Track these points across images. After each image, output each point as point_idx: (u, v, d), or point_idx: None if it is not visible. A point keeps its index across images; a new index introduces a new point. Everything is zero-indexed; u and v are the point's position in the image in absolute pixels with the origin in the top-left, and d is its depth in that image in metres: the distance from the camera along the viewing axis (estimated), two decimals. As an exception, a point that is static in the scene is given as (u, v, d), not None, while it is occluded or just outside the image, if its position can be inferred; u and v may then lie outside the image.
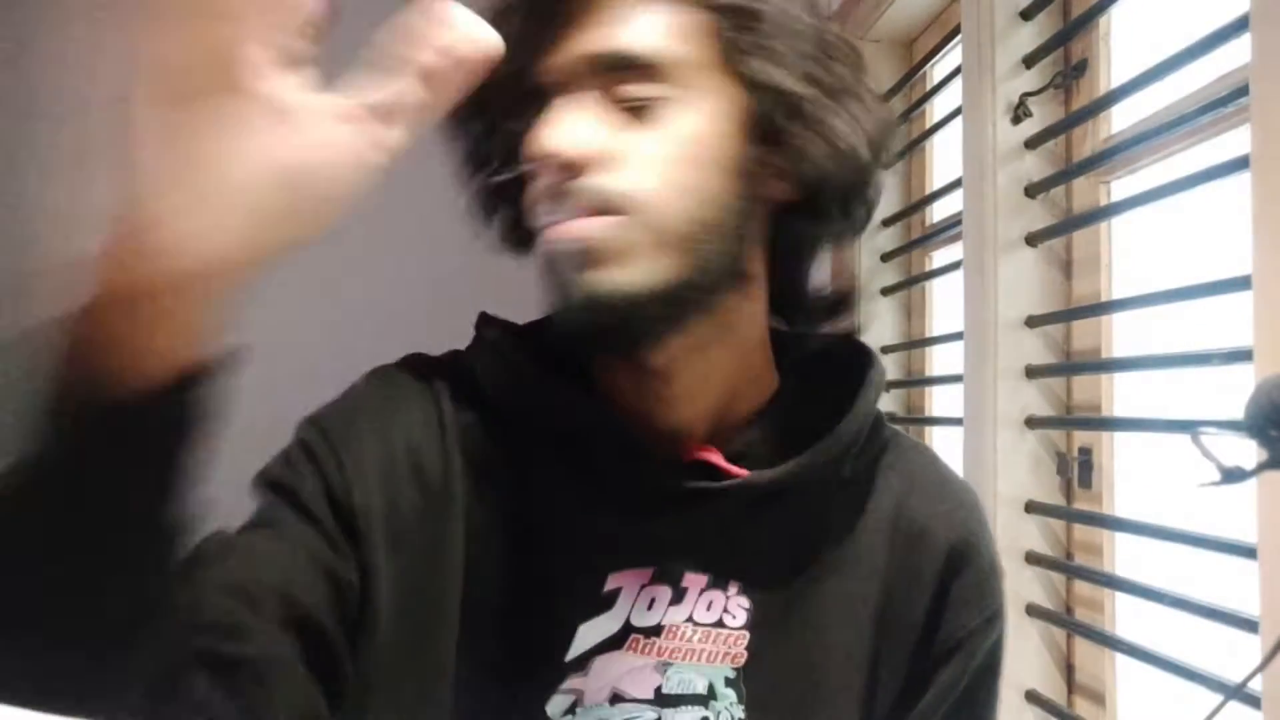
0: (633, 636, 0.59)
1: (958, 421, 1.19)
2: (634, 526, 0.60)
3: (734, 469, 0.59)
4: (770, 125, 0.56)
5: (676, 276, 0.54)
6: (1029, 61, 1.14)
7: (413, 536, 0.57)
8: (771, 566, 0.60)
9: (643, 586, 0.59)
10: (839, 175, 0.58)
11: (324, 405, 0.63)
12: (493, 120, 0.59)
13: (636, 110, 0.55)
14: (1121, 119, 1.07)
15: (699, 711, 0.58)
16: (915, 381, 1.55)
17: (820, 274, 0.65)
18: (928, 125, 1.51)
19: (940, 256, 1.49)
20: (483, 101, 0.49)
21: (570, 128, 0.54)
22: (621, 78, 0.55)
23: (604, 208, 0.54)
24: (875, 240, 1.58)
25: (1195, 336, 0.93)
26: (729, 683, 0.59)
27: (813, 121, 0.56)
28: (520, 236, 0.61)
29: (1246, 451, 0.63)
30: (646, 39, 0.55)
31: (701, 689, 0.59)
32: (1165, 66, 0.91)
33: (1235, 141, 0.86)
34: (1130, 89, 0.97)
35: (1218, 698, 0.72)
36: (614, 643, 0.59)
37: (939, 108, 1.49)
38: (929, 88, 1.49)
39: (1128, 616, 1.05)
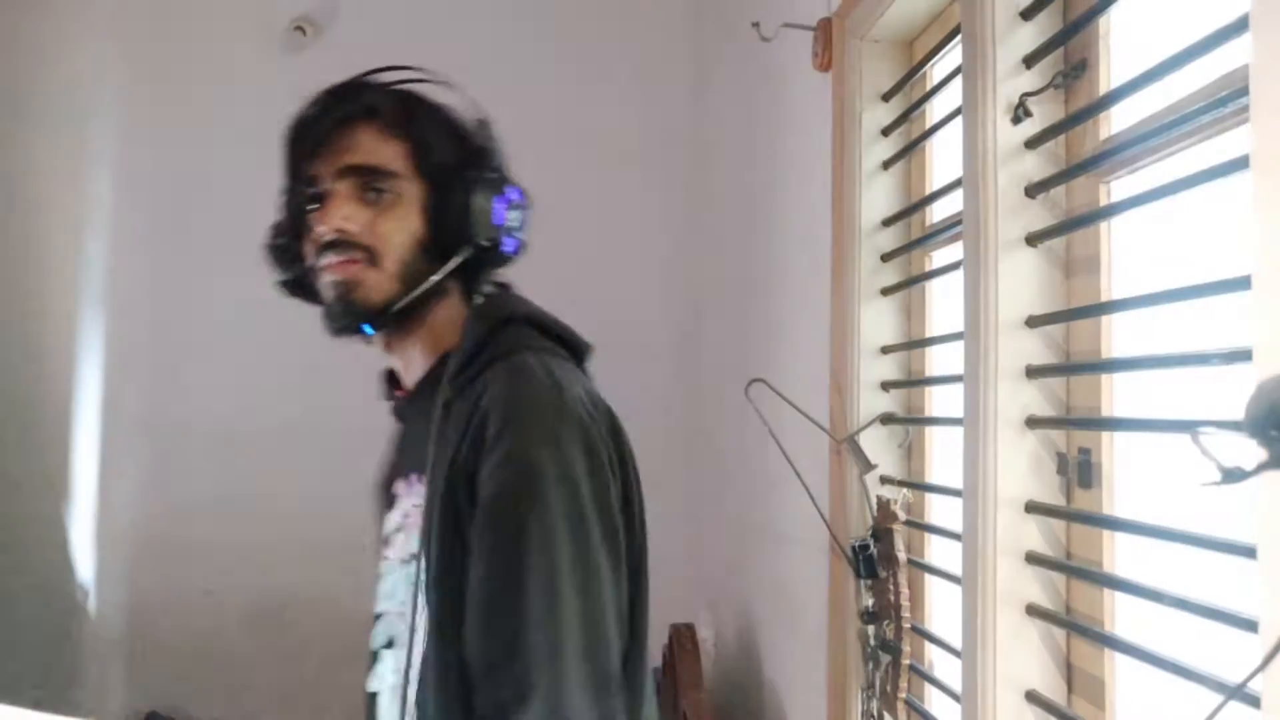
0: (406, 520, 1.03)
1: (958, 421, 1.19)
2: (398, 450, 1.10)
3: (400, 393, 1.09)
4: (433, 204, 1.00)
5: (397, 296, 0.99)
6: (1029, 61, 1.14)
7: None
8: (425, 457, 0.96)
9: (406, 488, 1.03)
10: (467, 229, 1.00)
11: None
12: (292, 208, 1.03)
13: (375, 203, 0.99)
14: (1121, 119, 1.07)
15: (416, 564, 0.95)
16: (915, 381, 1.55)
17: None
18: (928, 125, 1.51)
19: (940, 256, 1.49)
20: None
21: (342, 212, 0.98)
22: (368, 181, 0.99)
23: (359, 258, 0.98)
24: (875, 240, 1.59)
25: (1195, 336, 0.93)
26: (420, 545, 0.95)
27: (451, 200, 1.00)
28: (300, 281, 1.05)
29: (1246, 451, 0.63)
30: (381, 156, 0.99)
31: (415, 549, 0.96)
32: (1165, 66, 0.91)
33: (1235, 141, 0.86)
34: (1130, 89, 0.97)
35: (1218, 698, 0.73)
36: (398, 526, 1.04)
37: (939, 108, 1.49)
38: (929, 88, 1.49)
39: (1127, 616, 1.05)
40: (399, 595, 1.01)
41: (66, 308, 2.50)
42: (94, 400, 2.57)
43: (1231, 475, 0.64)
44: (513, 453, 0.89)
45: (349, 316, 0.99)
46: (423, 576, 0.94)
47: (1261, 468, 0.62)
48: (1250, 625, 0.75)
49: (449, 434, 0.95)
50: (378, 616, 1.05)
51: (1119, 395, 1.08)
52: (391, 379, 1.12)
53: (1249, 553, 0.74)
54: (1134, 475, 1.07)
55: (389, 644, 1.03)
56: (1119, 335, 1.08)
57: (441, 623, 0.92)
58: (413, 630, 0.95)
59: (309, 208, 1.00)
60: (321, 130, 0.99)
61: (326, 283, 0.99)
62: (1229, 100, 0.83)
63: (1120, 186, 1.08)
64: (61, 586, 2.39)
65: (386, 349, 1.07)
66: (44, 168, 2.33)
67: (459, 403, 0.96)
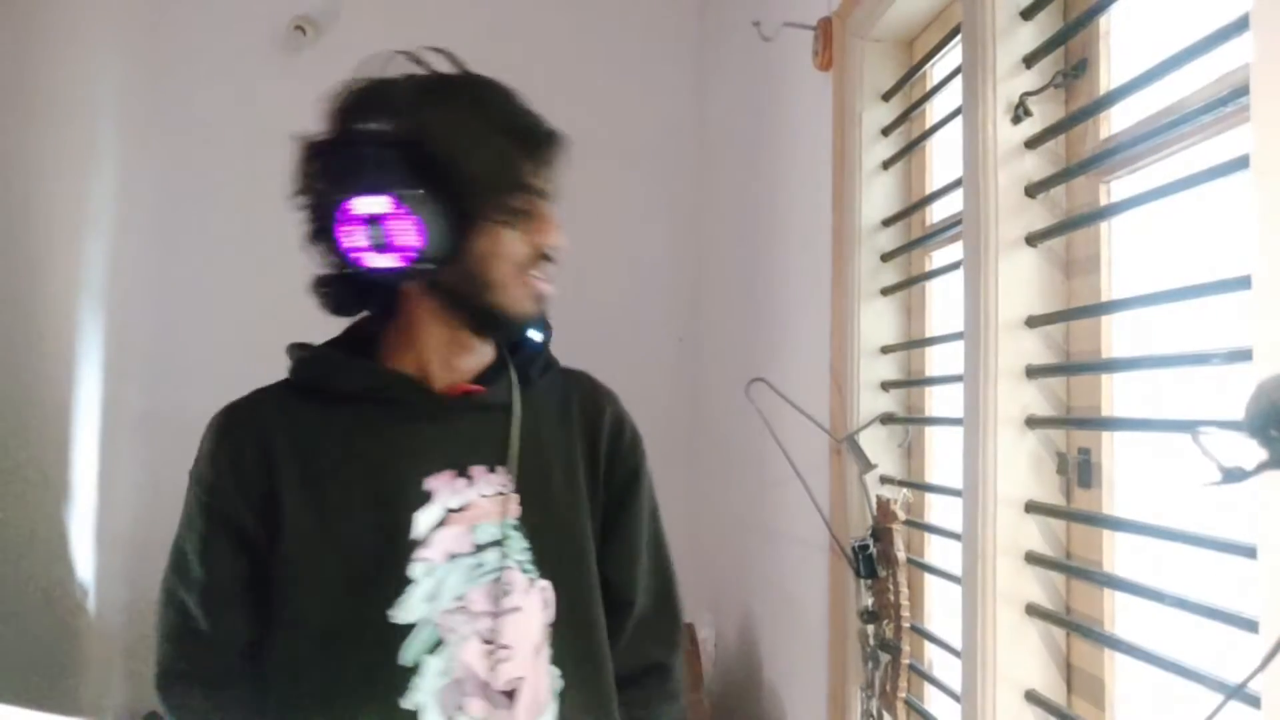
0: (449, 515, 1.02)
1: (958, 421, 1.19)
2: (434, 444, 1.03)
3: (479, 388, 1.06)
4: None
5: None
6: (1029, 61, 1.14)
7: (290, 490, 1.01)
8: (490, 447, 1.05)
9: (448, 481, 1.03)
10: None
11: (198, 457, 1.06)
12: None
13: None
14: (1121, 119, 1.07)
15: (499, 549, 1.02)
16: (915, 381, 1.55)
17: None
18: (928, 125, 1.51)
19: (940, 256, 1.49)
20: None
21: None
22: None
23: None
24: (875, 240, 1.59)
25: (1195, 336, 0.93)
26: (514, 528, 1.04)
27: None
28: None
29: (1246, 451, 0.63)
30: None
31: (497, 535, 1.03)
32: (1165, 66, 0.91)
33: (1235, 141, 0.86)
34: (1130, 89, 0.97)
35: (1218, 698, 0.73)
36: (440, 524, 1.01)
37: (939, 108, 1.49)
38: (929, 88, 1.49)
39: (1127, 617, 1.05)
40: (451, 591, 0.99)
41: (67, 306, 2.50)
42: (94, 399, 2.57)
43: (1231, 475, 0.64)
44: (641, 456, 1.18)
45: (530, 326, 1.07)
46: (525, 554, 1.04)
47: (1261, 468, 0.62)
48: (1250, 625, 0.75)
49: (559, 423, 1.11)
50: (409, 626, 0.98)
51: (1119, 395, 1.08)
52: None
53: (1249, 553, 0.74)
54: (1134, 475, 1.07)
55: (434, 648, 0.98)
56: (1119, 335, 1.08)
57: (585, 582, 1.08)
58: (501, 613, 1.01)
59: (519, 213, 1.00)
60: (553, 151, 1.04)
61: (535, 294, 1.03)
62: (1229, 100, 0.83)
63: (1120, 186, 1.08)
64: (61, 586, 2.39)
65: (473, 341, 1.06)
66: (44, 166, 2.33)
67: (540, 398, 1.10)
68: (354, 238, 0.94)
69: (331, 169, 0.97)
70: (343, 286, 1.02)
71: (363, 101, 0.98)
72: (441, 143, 0.95)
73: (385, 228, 0.93)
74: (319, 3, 2.74)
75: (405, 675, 0.97)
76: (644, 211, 2.96)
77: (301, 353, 1.06)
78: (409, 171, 0.94)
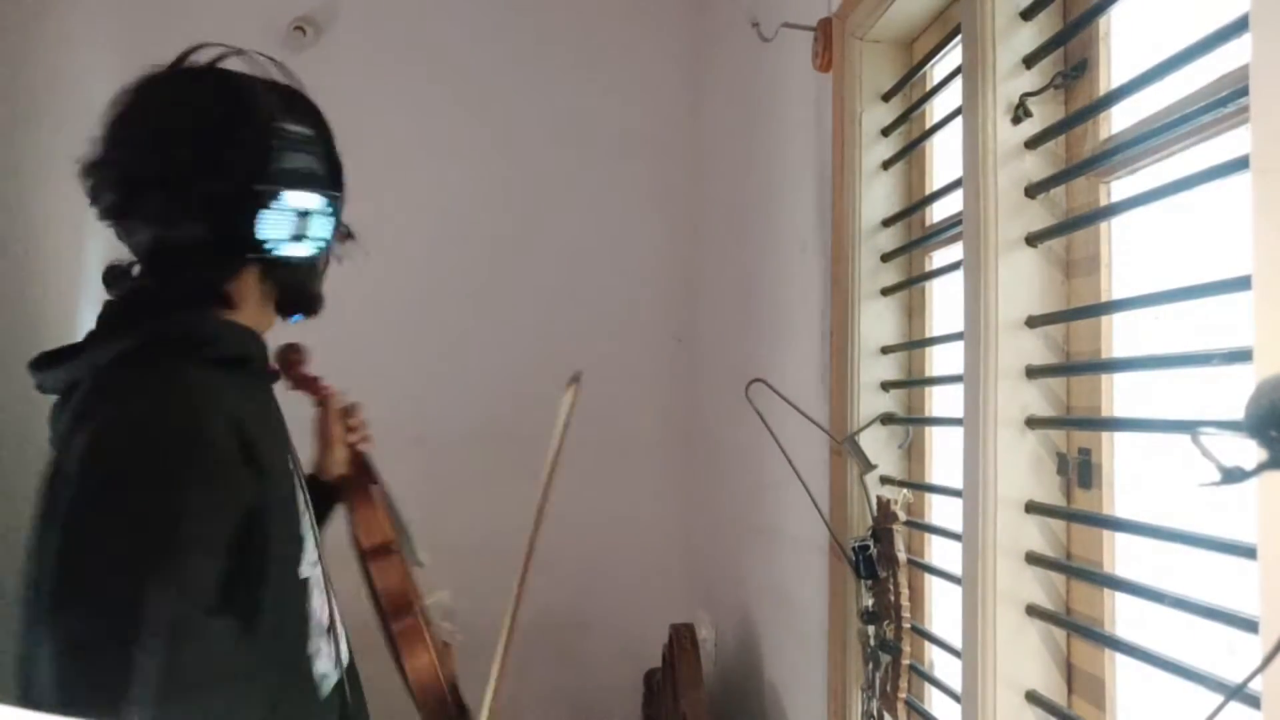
0: None
1: (958, 421, 1.19)
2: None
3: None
4: None
5: None
6: (1029, 61, 1.14)
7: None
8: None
9: None
10: None
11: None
12: None
13: None
14: (1121, 119, 1.07)
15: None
16: (915, 382, 1.55)
17: None
18: (928, 125, 1.51)
19: (940, 256, 1.49)
20: None
21: None
22: None
23: None
24: (875, 240, 1.59)
25: (1195, 336, 0.93)
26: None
27: None
28: None
29: (1246, 451, 0.63)
30: None
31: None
32: (1165, 66, 0.91)
33: (1235, 141, 0.86)
34: (1130, 89, 0.97)
35: (1218, 698, 0.73)
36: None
37: (939, 108, 1.49)
38: (929, 88, 1.49)
39: (1127, 617, 1.05)
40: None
41: (67, 307, 2.49)
42: (94, 400, 2.57)
43: (1231, 475, 0.64)
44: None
45: None
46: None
47: (1261, 468, 0.62)
48: (1250, 625, 0.75)
49: None
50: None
51: (1119, 395, 1.08)
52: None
53: (1249, 553, 0.74)
54: (1134, 475, 1.07)
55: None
56: (1119, 335, 1.08)
57: None
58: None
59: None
60: None
61: None
62: (1229, 100, 0.83)
63: (1120, 186, 1.08)
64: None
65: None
66: (43, 168, 2.33)
67: None
68: (278, 228, 1.01)
69: (259, 158, 1.00)
70: (197, 271, 1.02)
71: (287, 102, 1.06)
72: (335, 152, 1.09)
73: (308, 221, 1.03)
74: (319, 3, 2.74)
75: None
76: (642, 211, 2.96)
77: (221, 324, 1.05)
78: (327, 174, 1.06)
